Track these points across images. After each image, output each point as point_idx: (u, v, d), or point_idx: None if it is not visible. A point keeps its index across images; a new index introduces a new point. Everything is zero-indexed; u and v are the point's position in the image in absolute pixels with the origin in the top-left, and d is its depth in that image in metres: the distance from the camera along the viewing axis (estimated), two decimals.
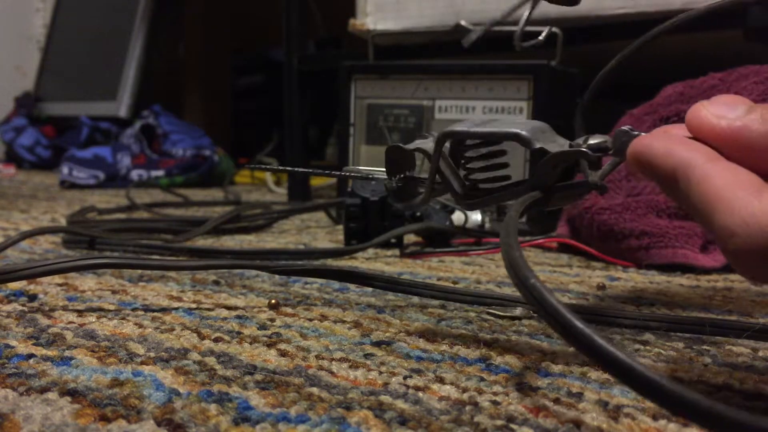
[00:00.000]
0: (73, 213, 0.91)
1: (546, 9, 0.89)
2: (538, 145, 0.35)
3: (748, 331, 0.41)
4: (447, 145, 0.38)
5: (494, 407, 0.31)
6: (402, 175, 0.41)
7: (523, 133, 0.35)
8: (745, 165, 0.28)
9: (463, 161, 0.39)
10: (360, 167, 0.48)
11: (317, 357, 0.37)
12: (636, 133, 0.33)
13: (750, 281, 0.36)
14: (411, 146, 0.40)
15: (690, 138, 0.30)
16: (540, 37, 0.46)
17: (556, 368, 0.36)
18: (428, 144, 0.39)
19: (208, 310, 0.47)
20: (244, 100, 2.08)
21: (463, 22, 0.93)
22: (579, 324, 0.25)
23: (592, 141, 0.35)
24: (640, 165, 0.30)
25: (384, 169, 0.42)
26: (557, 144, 0.36)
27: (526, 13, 0.47)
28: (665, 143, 0.29)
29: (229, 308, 0.47)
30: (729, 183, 0.27)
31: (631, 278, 0.60)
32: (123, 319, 0.44)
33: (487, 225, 0.78)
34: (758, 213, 0.25)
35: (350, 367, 0.36)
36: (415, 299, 0.50)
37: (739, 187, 0.26)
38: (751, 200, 0.26)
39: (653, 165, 0.30)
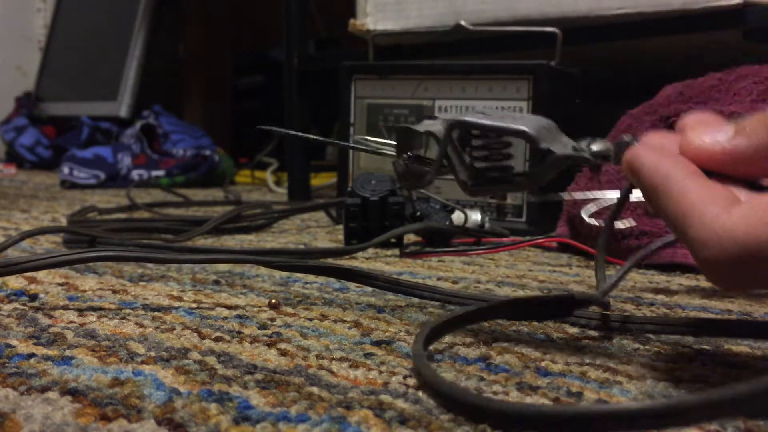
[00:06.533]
0: (73, 213, 0.91)
1: (546, 9, 0.89)
2: (544, 146, 0.36)
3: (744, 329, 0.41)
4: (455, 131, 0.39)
5: None
6: (410, 155, 0.42)
7: (531, 131, 0.36)
8: (736, 175, 0.31)
9: (468, 148, 0.40)
10: (369, 138, 0.49)
11: (317, 356, 0.37)
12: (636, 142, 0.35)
13: (720, 288, 0.39)
14: (421, 128, 0.40)
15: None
16: None
17: (556, 368, 0.36)
18: (437, 127, 0.40)
19: (209, 309, 0.47)
20: (244, 100, 2.08)
21: (463, 22, 0.93)
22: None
23: (595, 147, 0.36)
24: (631, 174, 0.33)
25: (391, 143, 0.44)
26: (561, 144, 0.37)
27: None
28: (653, 157, 0.32)
29: (229, 308, 0.47)
30: (703, 198, 0.29)
31: (631, 278, 0.60)
32: (123, 318, 0.44)
33: (487, 225, 0.78)
34: (728, 225, 0.28)
35: (350, 366, 0.36)
36: (416, 299, 0.50)
37: (712, 202, 0.29)
38: (721, 214, 0.28)
39: (640, 176, 0.32)
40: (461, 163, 0.39)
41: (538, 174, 0.37)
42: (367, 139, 0.50)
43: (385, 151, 0.46)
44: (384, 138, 0.92)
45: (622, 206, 0.42)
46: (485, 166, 0.39)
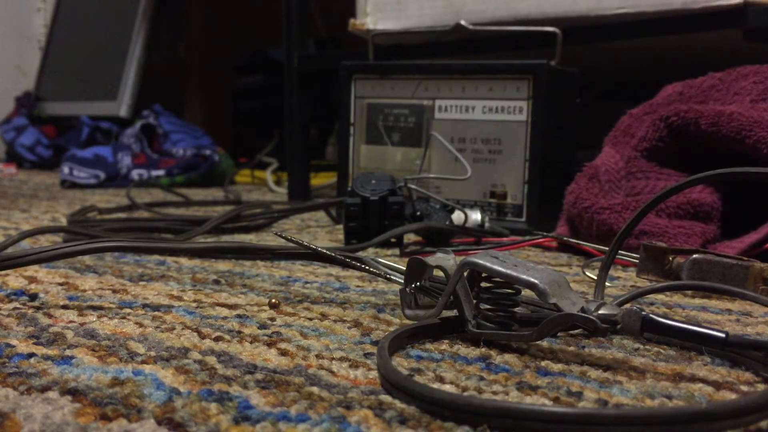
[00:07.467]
0: (73, 212, 0.91)
1: (546, 9, 0.89)
2: (552, 301, 0.36)
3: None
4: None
5: None
6: (417, 285, 0.43)
7: (541, 285, 0.37)
8: None
9: (477, 288, 0.40)
10: (380, 260, 0.52)
11: (317, 356, 0.37)
12: (644, 313, 0.35)
13: None
14: (432, 262, 0.42)
15: None
16: None
17: (556, 367, 0.36)
18: (449, 263, 0.41)
19: (209, 309, 0.47)
20: (244, 100, 2.08)
21: (463, 22, 0.93)
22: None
23: (603, 311, 0.36)
24: None
25: (399, 271, 0.47)
26: (570, 302, 0.37)
27: None
28: None
29: (229, 307, 0.47)
30: None
31: (630, 278, 0.60)
32: (123, 318, 0.44)
33: (487, 225, 0.78)
34: None
35: (350, 366, 0.36)
36: None
37: None
38: None
39: None
40: (468, 303, 0.40)
41: (542, 330, 0.37)
42: (378, 261, 0.51)
43: (393, 278, 0.48)
44: (383, 136, 0.92)
45: (615, 254, 0.44)
46: (490, 308, 0.40)
